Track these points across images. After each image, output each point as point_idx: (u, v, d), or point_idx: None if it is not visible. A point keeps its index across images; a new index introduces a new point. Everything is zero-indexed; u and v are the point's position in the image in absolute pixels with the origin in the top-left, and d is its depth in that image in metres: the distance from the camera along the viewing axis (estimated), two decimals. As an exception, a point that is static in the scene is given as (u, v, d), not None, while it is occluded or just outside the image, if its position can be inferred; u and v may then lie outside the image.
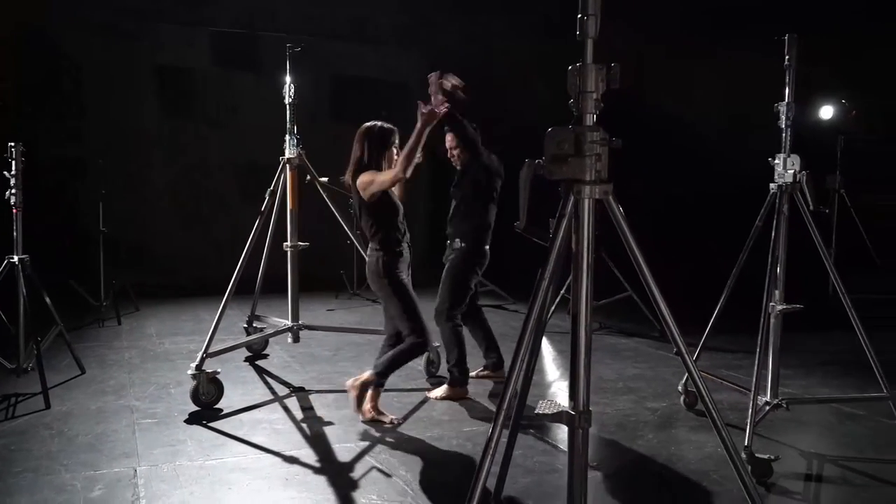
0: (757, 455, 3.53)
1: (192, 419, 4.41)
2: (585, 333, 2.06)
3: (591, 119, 2.01)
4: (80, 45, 9.07)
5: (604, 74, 2.00)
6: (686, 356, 2.15)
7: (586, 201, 2.03)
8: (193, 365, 4.60)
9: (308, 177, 5.32)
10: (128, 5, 9.11)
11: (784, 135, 3.91)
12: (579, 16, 1.98)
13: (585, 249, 2.05)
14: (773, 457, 3.54)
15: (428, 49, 9.54)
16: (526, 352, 2.16)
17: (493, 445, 2.10)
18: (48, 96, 9.05)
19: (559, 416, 2.08)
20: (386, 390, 4.46)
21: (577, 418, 2.06)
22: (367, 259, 4.43)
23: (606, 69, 2.00)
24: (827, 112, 8.30)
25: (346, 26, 10.13)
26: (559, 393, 5.10)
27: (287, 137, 5.29)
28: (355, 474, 3.63)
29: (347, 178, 4.36)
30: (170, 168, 9.74)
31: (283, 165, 5.27)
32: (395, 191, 4.38)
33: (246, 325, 5.89)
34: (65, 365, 5.39)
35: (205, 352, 4.68)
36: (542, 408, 2.12)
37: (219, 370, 4.69)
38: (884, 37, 8.50)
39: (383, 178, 4.20)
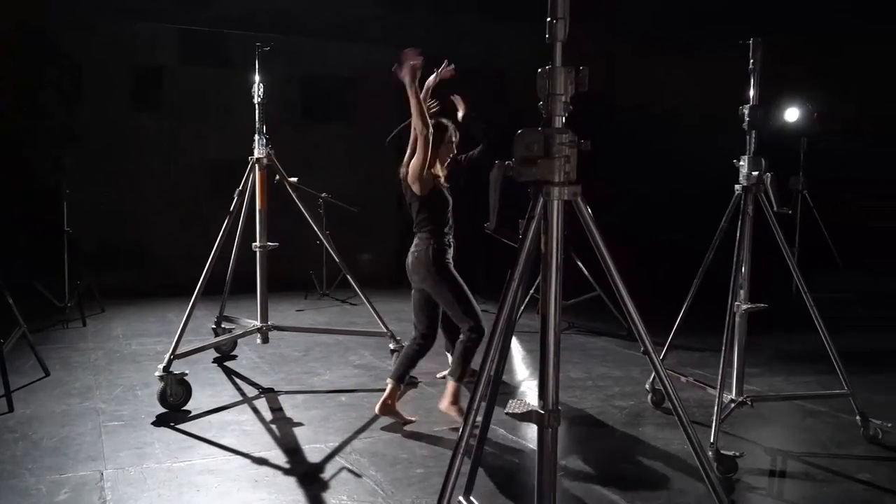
0: (722, 452, 3.59)
1: (160, 421, 4.36)
2: (554, 333, 2.08)
3: (559, 121, 2.03)
4: (80, 45, 8.93)
5: (573, 77, 2.02)
6: (653, 355, 2.18)
7: (555, 202, 2.05)
8: (161, 366, 4.55)
9: (277, 176, 5.30)
10: (128, 5, 8.96)
11: (748, 137, 3.97)
12: (548, 19, 2.00)
13: (554, 250, 2.07)
14: (738, 453, 3.61)
15: (424, 49, 9.48)
16: (496, 352, 2.18)
17: (462, 445, 2.12)
18: (47, 96, 8.90)
19: (529, 416, 2.10)
20: (362, 390, 4.44)
21: (546, 417, 2.08)
22: (413, 251, 4.36)
23: (575, 72, 2.02)
24: (791, 114, 8.45)
25: (345, 26, 10.05)
26: (528, 392, 5.13)
27: (256, 137, 5.27)
28: (325, 475, 3.63)
29: (403, 171, 4.39)
30: (169, 168, 9.60)
31: (252, 165, 5.24)
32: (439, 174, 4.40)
33: (214, 326, 5.84)
34: (28, 367, 5.29)
35: (172, 353, 4.63)
36: (512, 407, 2.13)
37: (187, 371, 4.65)
38: (857, 36, 8.66)
39: (416, 158, 4.24)
